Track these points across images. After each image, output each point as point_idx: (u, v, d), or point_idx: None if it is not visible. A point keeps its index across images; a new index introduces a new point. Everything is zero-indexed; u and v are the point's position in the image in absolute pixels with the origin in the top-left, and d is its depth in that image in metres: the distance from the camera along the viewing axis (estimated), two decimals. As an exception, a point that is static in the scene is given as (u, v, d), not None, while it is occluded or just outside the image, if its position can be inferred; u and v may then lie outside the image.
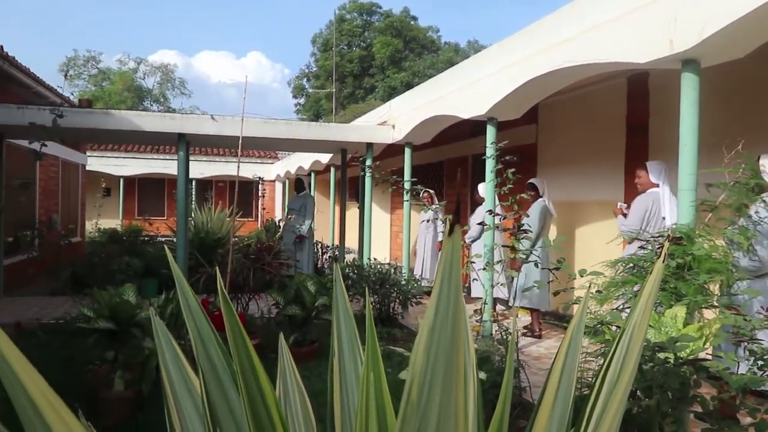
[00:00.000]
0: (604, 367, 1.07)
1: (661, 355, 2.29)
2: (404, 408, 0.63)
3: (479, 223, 6.16)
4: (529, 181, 6.25)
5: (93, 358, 4.02)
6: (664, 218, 4.83)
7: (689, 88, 3.26)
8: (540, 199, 6.17)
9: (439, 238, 8.25)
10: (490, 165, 5.26)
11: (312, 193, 13.82)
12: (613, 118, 5.93)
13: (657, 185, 4.81)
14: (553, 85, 4.89)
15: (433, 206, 7.89)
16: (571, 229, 6.56)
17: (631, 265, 3.40)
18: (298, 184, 9.33)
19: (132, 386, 3.77)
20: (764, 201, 3.29)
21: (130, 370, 3.81)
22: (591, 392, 1.06)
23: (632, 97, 5.72)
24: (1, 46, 7.20)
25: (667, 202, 4.72)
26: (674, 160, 3.43)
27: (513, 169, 4.14)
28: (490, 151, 5.22)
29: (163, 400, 1.10)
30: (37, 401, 0.61)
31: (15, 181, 5.96)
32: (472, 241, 6.90)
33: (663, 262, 0.97)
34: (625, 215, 4.97)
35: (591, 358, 3.42)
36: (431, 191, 8.44)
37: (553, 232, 6.84)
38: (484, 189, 6.92)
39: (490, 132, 5.37)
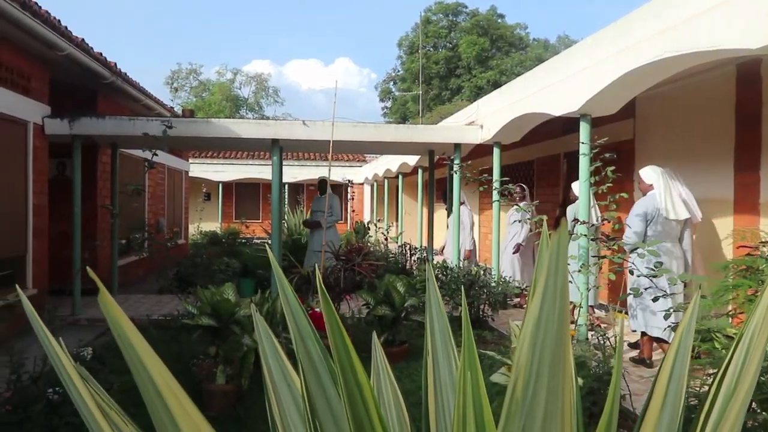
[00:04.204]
0: (719, 377, 1.00)
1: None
2: (508, 405, 0.61)
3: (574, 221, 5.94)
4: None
5: (197, 353, 4.27)
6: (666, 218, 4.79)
7: (811, 73, 2.97)
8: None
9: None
10: (584, 164, 5.07)
11: (400, 196, 13.94)
12: (720, 110, 5.51)
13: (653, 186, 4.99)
14: (654, 77, 4.63)
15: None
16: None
17: (744, 267, 3.15)
18: (321, 185, 9.34)
19: (232, 380, 3.96)
20: None
21: (231, 365, 4.01)
22: (704, 402, 0.99)
23: (742, 86, 5.29)
24: (114, 63, 7.83)
25: (666, 198, 4.79)
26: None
27: (613, 167, 3.96)
28: (584, 149, 5.02)
29: (261, 395, 1.15)
30: (160, 387, 0.66)
31: (128, 186, 6.46)
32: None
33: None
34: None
35: (698, 366, 3.21)
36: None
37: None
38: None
39: (584, 129, 5.16)
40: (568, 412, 0.63)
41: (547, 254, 0.59)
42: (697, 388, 3.12)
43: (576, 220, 4.93)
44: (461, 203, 8.27)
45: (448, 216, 8.71)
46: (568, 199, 7.24)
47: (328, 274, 5.76)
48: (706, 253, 5.57)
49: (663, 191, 4.84)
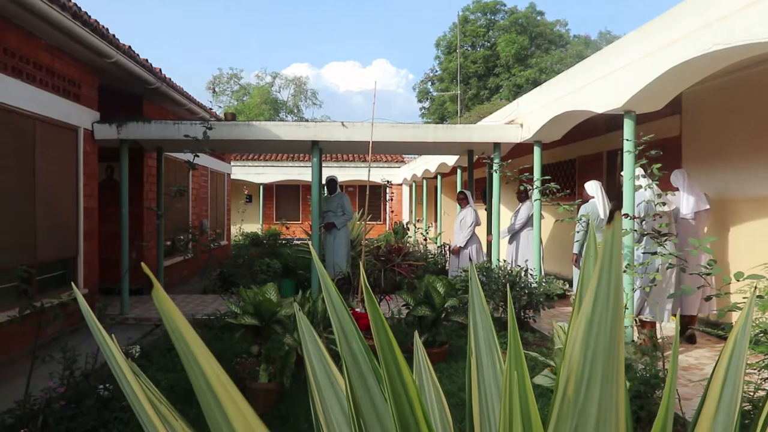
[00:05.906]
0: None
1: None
2: (560, 405, 0.60)
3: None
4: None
5: (240, 352, 4.34)
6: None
7: None
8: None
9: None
10: (628, 161, 4.94)
11: (439, 197, 13.89)
12: (773, 104, 5.30)
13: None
14: (701, 72, 4.47)
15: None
16: (724, 229, 5.95)
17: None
18: (330, 185, 9.31)
19: (274, 379, 4.02)
20: None
21: (273, 364, 4.06)
22: (762, 408, 0.95)
23: (798, 79, 5.08)
24: (159, 69, 8.04)
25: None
26: None
27: (659, 165, 3.85)
28: (628, 146, 4.90)
29: (303, 394, 1.16)
30: (212, 382, 0.67)
31: (171, 187, 6.63)
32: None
33: None
34: None
35: (752, 371, 3.09)
36: (466, 192, 8.63)
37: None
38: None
39: (628, 126, 5.03)
40: (622, 413, 0.61)
41: (599, 249, 0.57)
42: (751, 393, 3.00)
43: (622, 212, 4.84)
44: (468, 203, 8.51)
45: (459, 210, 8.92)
46: (621, 193, 7.14)
47: (368, 274, 5.79)
48: (748, 252, 5.37)
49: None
